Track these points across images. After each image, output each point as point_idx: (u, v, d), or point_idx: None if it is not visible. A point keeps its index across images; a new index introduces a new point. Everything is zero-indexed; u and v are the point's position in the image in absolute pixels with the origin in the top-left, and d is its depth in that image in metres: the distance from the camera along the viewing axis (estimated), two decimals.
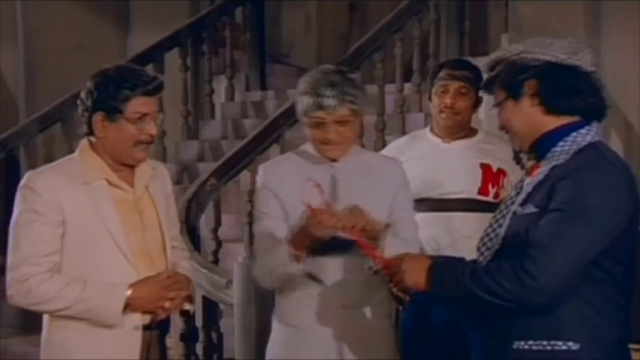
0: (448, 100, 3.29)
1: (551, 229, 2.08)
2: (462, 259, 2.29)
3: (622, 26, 4.63)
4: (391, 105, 5.58)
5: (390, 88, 5.56)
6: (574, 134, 2.20)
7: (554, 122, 2.21)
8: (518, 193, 2.26)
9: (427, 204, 3.29)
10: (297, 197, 2.53)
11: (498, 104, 2.26)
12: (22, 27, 6.90)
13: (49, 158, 5.69)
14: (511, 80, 2.22)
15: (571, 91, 2.19)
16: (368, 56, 5.42)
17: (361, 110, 2.58)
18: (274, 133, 4.94)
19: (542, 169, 2.20)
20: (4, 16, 7.05)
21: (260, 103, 6.50)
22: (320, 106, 2.52)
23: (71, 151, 5.44)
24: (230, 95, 6.69)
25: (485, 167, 3.30)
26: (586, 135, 2.19)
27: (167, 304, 2.50)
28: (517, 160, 2.36)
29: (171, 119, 6.29)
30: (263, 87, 6.87)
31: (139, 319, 2.51)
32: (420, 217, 3.26)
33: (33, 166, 5.66)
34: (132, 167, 2.57)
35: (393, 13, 5.52)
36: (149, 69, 5.74)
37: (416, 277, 2.22)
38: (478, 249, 2.28)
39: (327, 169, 2.62)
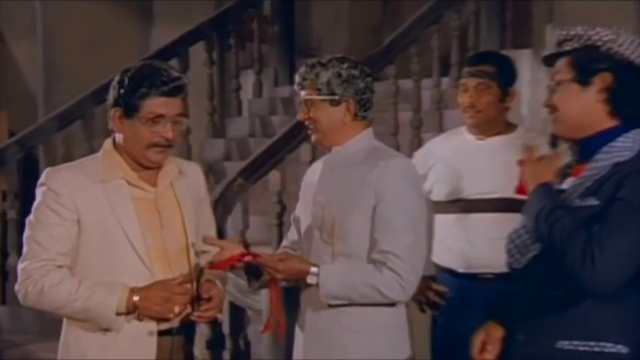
0: (467, 99, 3.32)
1: (614, 218, 2.09)
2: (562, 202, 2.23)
3: None
4: (428, 101, 5.57)
5: (426, 83, 5.55)
6: (634, 132, 2.19)
7: (610, 123, 2.21)
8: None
9: (459, 205, 3.31)
10: (305, 194, 2.75)
11: (558, 82, 2.23)
12: (41, 23, 6.98)
13: (69, 157, 5.73)
14: (586, 64, 2.19)
15: None
16: (402, 49, 5.42)
17: (335, 95, 2.67)
18: (304, 131, 4.92)
19: (600, 164, 2.19)
20: (23, 12, 7.14)
21: (289, 99, 6.51)
22: (296, 86, 2.74)
23: (91, 149, 5.57)
24: (258, 91, 6.72)
25: (523, 164, 3.30)
26: None
27: (177, 309, 2.51)
28: (553, 145, 2.36)
29: (196, 116, 6.30)
30: (292, 82, 6.78)
31: (154, 324, 2.54)
32: (453, 218, 3.32)
33: (52, 164, 5.67)
34: (150, 168, 2.59)
35: (429, 4, 5.50)
36: (173, 64, 5.78)
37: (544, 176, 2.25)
38: (508, 251, 2.29)
39: (323, 161, 2.77)
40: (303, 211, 2.78)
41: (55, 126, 5.92)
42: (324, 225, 2.64)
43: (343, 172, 2.68)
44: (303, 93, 2.70)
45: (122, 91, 2.54)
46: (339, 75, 2.67)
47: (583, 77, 2.19)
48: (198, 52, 6.30)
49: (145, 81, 2.52)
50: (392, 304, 2.63)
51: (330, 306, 2.61)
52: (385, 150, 2.74)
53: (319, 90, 2.67)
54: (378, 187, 2.60)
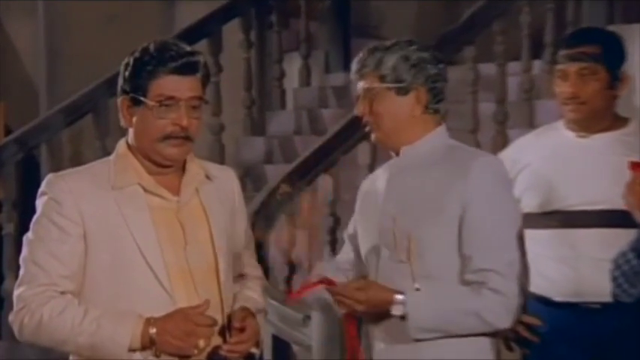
0: (568, 89, 3.28)
1: None
2: None
3: None
4: (515, 89, 5.53)
5: (513, 67, 5.51)
6: None
7: None
8: None
9: (557, 218, 3.30)
10: (366, 206, 2.77)
11: None
12: None
13: (77, 159, 5.77)
14: None
15: None
16: (484, 27, 5.39)
17: (402, 83, 2.69)
18: (362, 128, 4.92)
19: None
20: None
21: (343, 89, 6.48)
22: (352, 75, 2.74)
23: (105, 149, 5.61)
24: (305, 79, 6.73)
25: (636, 167, 3.27)
26: None
27: (201, 343, 2.52)
28: None
29: (231, 110, 6.38)
30: (347, 68, 6.81)
31: None
32: (548, 234, 3.29)
33: (57, 168, 5.78)
34: (167, 167, 2.61)
35: None
36: (202, 46, 5.84)
37: None
38: (614, 279, 2.28)
39: (388, 166, 2.79)
40: (363, 226, 2.79)
41: (60, 121, 5.98)
42: (396, 241, 2.66)
43: (418, 177, 2.69)
44: (361, 83, 2.71)
45: (127, 74, 2.57)
46: (407, 58, 2.69)
47: None
48: (232, 31, 6.33)
49: (151, 58, 2.54)
50: (475, 335, 2.64)
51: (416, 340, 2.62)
52: (466, 149, 2.78)
53: (383, 77, 2.68)
54: (465, 192, 2.62)
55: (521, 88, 5.51)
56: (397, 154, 2.74)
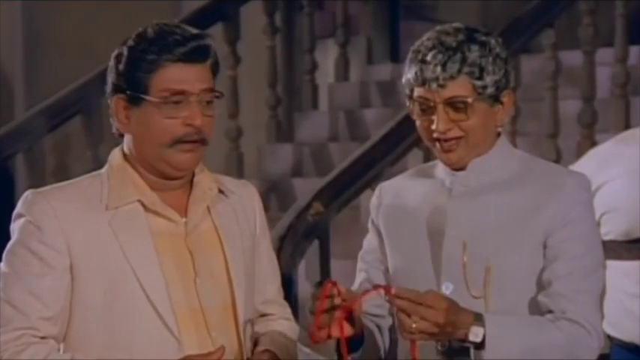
0: None
1: None
2: None
3: None
4: (606, 83, 5.52)
5: (604, 55, 5.50)
6: None
7: None
8: None
9: None
10: (402, 230, 2.77)
11: None
12: None
13: (63, 172, 5.82)
14: None
15: None
16: (566, 7, 5.40)
17: (499, 92, 2.67)
18: (414, 132, 4.87)
19: None
20: None
21: (390, 84, 6.51)
22: (423, 79, 2.64)
23: (97, 160, 5.58)
24: (342, 72, 6.75)
25: None
26: None
27: None
28: None
29: (252, 111, 6.42)
30: (395, 58, 6.89)
31: None
32: (639, 267, 3.38)
33: (37, 184, 5.77)
34: (175, 179, 2.62)
35: None
36: (217, 31, 5.85)
37: None
38: None
39: (444, 185, 2.76)
40: (401, 251, 2.76)
41: (41, 125, 5.98)
42: (468, 273, 2.66)
43: (493, 196, 2.70)
44: (444, 92, 2.64)
45: (121, 67, 2.57)
46: (498, 56, 2.68)
47: None
48: (253, 14, 6.35)
49: (151, 45, 2.55)
50: None
51: None
52: (543, 162, 2.82)
53: (482, 86, 2.65)
54: (557, 214, 2.65)
55: (615, 82, 5.50)
56: (456, 168, 2.72)
